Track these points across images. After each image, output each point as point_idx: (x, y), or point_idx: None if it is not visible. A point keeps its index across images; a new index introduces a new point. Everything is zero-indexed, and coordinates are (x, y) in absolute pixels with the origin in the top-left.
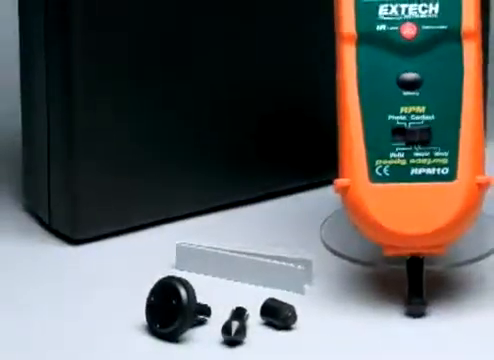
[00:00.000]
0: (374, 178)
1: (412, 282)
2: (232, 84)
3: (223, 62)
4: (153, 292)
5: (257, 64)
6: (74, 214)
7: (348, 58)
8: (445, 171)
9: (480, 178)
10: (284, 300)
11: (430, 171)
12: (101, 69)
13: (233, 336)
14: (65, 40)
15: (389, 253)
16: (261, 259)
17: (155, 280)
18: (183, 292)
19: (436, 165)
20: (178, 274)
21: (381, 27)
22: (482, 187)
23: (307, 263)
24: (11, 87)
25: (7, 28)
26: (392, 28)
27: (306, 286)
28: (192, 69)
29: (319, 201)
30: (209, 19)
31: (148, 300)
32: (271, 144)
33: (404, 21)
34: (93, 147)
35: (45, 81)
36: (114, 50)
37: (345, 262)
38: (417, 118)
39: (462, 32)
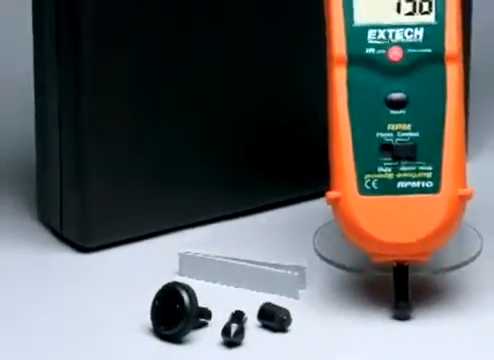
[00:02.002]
0: (363, 191)
1: (398, 288)
2: (231, 101)
3: (223, 79)
4: (158, 297)
5: (256, 82)
6: (84, 224)
7: (339, 79)
8: (429, 184)
9: (462, 191)
10: (280, 304)
11: (415, 184)
12: (105, 92)
13: (232, 338)
14: (76, 69)
15: (377, 261)
16: (258, 266)
17: (160, 285)
18: (186, 297)
19: (421, 179)
20: (181, 280)
21: (370, 50)
22: (464, 199)
23: (301, 270)
24: (26, 106)
25: (22, 54)
26: (380, 51)
27: (300, 291)
28: (193, 89)
29: (312, 212)
30: (209, 37)
31: (153, 304)
32: (268, 159)
33: (391, 45)
34: (101, 165)
35: (57, 103)
36: (118, 75)
37: (336, 269)
38: (403, 135)
39: (445, 55)
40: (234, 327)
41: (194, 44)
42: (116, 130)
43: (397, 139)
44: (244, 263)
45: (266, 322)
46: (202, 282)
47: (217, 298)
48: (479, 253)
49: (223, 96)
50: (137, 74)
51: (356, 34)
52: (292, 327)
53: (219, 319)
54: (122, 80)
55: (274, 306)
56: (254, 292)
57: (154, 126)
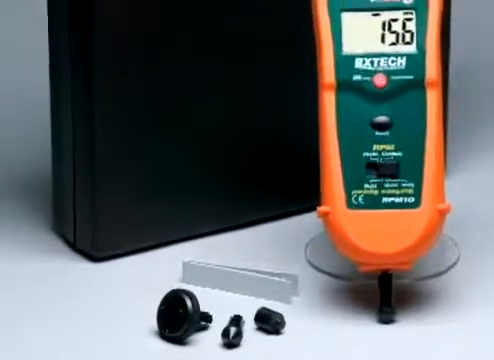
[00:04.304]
0: (351, 205)
1: (383, 294)
2: (230, 121)
3: (222, 99)
4: (163, 302)
5: (254, 104)
6: (95, 236)
7: (328, 103)
8: (411, 200)
9: (440, 206)
10: (274, 309)
11: (398, 200)
12: (117, 114)
13: (231, 340)
14: (89, 101)
15: (364, 269)
16: (255, 274)
17: (165, 292)
18: (188, 302)
19: (403, 195)
20: (184, 287)
21: (357, 77)
22: (442, 213)
23: (294, 278)
24: (44, 125)
25: (39, 85)
26: (366, 78)
27: (293, 297)
28: (194, 109)
29: (304, 225)
30: (210, 68)
31: (159, 308)
32: (265, 177)
33: (376, 72)
34: (111, 180)
35: (71, 124)
36: (129, 100)
37: (326, 277)
38: (387, 155)
39: (426, 82)
40: (233, 330)
41: (196, 68)
42: (125, 150)
43: (382, 158)
44: (242, 271)
45: (262, 325)
46: (204, 289)
47: (217, 303)
48: (456, 262)
49: (222, 115)
50: (142, 106)
51: (344, 62)
52: (286, 330)
53: (219, 322)
54: (129, 110)
55: (269, 310)
56: (251, 298)
57: (160, 146)
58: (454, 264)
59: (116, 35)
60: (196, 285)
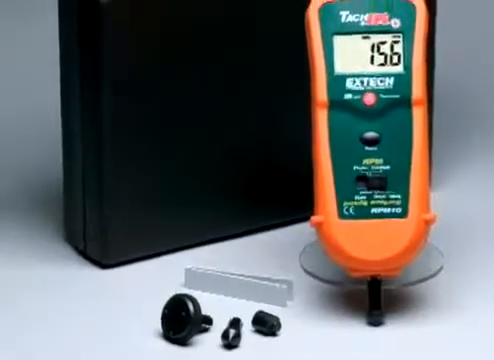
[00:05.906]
0: (342, 216)
1: (372, 298)
2: (231, 137)
3: (222, 120)
4: (167, 306)
5: (254, 122)
6: (104, 244)
7: (321, 120)
8: (398, 210)
9: (426, 216)
10: (271, 312)
11: (387, 210)
12: (124, 132)
13: (230, 341)
14: (97, 129)
15: (354, 275)
16: (253, 280)
17: (169, 296)
18: (191, 306)
19: (391, 205)
20: (186, 292)
21: (348, 96)
22: (428, 223)
23: (289, 283)
24: (57, 140)
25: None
26: (356, 97)
27: (288, 301)
28: (197, 125)
29: (298, 234)
30: (210, 79)
31: (163, 312)
32: (263, 189)
33: (366, 91)
34: (118, 191)
35: (81, 146)
36: (136, 118)
37: (319, 282)
38: (376, 168)
39: (412, 100)
40: (232, 332)
41: (197, 83)
42: (130, 167)
43: (371, 172)
44: (241, 277)
45: (259, 327)
46: (205, 293)
47: (217, 307)
48: (441, 269)
49: (221, 130)
50: (147, 129)
51: (336, 82)
52: (281, 332)
53: (219, 325)
54: (135, 120)
55: (266, 314)
56: (249, 302)
57: (164, 158)
58: (439, 271)
59: (121, 68)
60: (197, 290)
